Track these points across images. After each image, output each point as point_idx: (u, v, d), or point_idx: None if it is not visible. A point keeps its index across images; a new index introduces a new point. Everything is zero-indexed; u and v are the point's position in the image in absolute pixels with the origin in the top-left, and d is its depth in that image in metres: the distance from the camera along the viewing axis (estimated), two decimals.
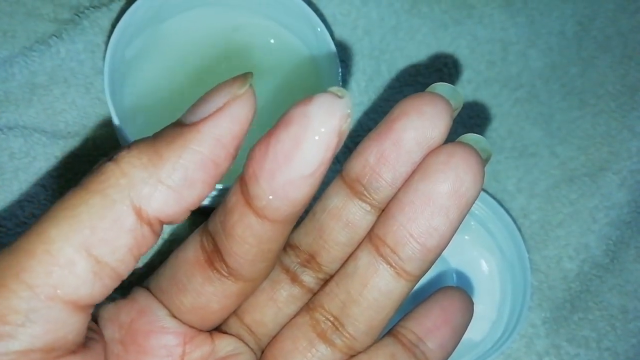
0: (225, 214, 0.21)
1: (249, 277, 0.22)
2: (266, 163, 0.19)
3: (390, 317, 0.23)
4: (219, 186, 0.30)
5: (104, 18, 0.38)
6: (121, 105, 0.33)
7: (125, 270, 0.19)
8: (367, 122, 0.39)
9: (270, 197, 0.19)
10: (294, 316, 0.24)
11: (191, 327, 0.23)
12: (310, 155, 0.19)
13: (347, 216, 0.23)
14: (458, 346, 0.24)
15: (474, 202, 0.21)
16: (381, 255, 0.22)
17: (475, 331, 0.36)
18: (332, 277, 0.24)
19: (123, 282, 0.34)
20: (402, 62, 0.41)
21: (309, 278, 0.24)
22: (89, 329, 0.21)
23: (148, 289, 0.23)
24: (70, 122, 0.36)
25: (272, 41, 0.36)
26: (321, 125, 0.18)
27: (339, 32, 0.40)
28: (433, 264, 0.22)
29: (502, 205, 0.38)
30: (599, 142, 0.41)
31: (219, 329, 0.24)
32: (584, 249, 0.39)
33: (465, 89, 0.41)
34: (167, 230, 0.35)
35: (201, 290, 0.22)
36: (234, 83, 0.19)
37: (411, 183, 0.21)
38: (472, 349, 0.36)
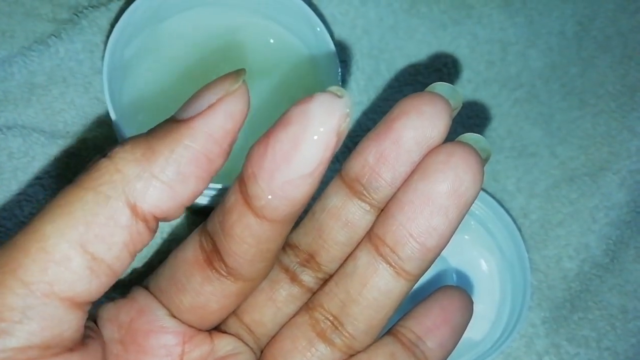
0: (224, 214, 0.21)
1: (248, 276, 0.22)
2: (265, 163, 0.19)
3: (390, 317, 0.23)
4: (218, 186, 0.30)
5: (103, 18, 0.38)
6: (120, 105, 0.33)
7: (121, 267, 0.19)
8: (366, 122, 0.39)
9: (269, 196, 0.19)
10: (294, 316, 0.24)
11: (190, 326, 0.23)
12: (309, 154, 0.19)
13: (347, 216, 0.23)
14: (458, 345, 0.24)
15: (473, 202, 0.21)
16: (381, 255, 0.22)
17: (475, 330, 0.36)
18: (331, 276, 0.24)
19: (123, 281, 0.34)
20: (401, 62, 0.41)
21: (308, 278, 0.24)
22: (87, 328, 0.21)
23: (147, 288, 0.23)
24: (69, 121, 0.36)
25: (271, 41, 0.36)
26: (320, 124, 0.18)
27: (338, 32, 0.40)
28: (432, 263, 0.22)
29: (502, 205, 0.38)
30: (599, 142, 0.41)
31: (218, 328, 0.24)
32: (583, 249, 0.39)
33: (465, 89, 0.41)
34: (166, 230, 0.35)
35: (200, 290, 0.22)
36: (226, 80, 0.19)
37: (410, 182, 0.21)
38: (472, 348, 0.36)
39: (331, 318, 0.23)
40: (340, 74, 0.34)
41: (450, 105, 0.21)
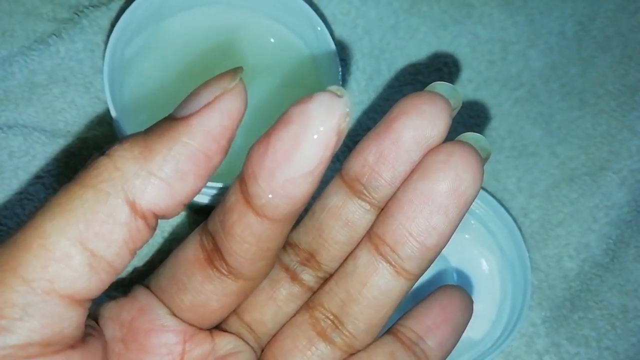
0: (225, 213, 0.21)
1: (248, 275, 0.22)
2: (265, 162, 0.19)
3: (390, 316, 0.23)
4: (219, 185, 0.30)
5: (104, 17, 0.38)
6: (120, 104, 0.33)
7: (121, 265, 0.19)
8: (366, 121, 0.39)
9: (270, 195, 0.19)
10: (294, 315, 0.24)
11: (191, 325, 0.23)
12: (309, 154, 0.19)
13: (347, 215, 0.23)
14: (458, 345, 0.24)
15: (473, 201, 0.21)
16: (381, 254, 0.22)
17: (475, 330, 0.36)
18: (331, 275, 0.24)
19: (124, 280, 0.34)
20: (401, 61, 0.41)
21: (308, 277, 0.24)
22: (88, 326, 0.21)
23: (148, 287, 0.23)
24: (70, 121, 0.36)
25: (272, 40, 0.37)
26: (320, 124, 0.18)
27: (339, 31, 0.40)
28: (432, 262, 0.22)
29: (502, 205, 0.38)
30: (599, 141, 0.41)
31: (219, 327, 0.24)
32: (584, 248, 0.39)
33: (465, 89, 0.41)
34: (167, 229, 0.35)
35: (201, 288, 0.22)
36: (224, 77, 0.19)
37: (410, 182, 0.21)
38: (472, 347, 0.36)
39: (331, 317, 0.23)
40: (340, 73, 0.34)
41: (450, 105, 0.21)
